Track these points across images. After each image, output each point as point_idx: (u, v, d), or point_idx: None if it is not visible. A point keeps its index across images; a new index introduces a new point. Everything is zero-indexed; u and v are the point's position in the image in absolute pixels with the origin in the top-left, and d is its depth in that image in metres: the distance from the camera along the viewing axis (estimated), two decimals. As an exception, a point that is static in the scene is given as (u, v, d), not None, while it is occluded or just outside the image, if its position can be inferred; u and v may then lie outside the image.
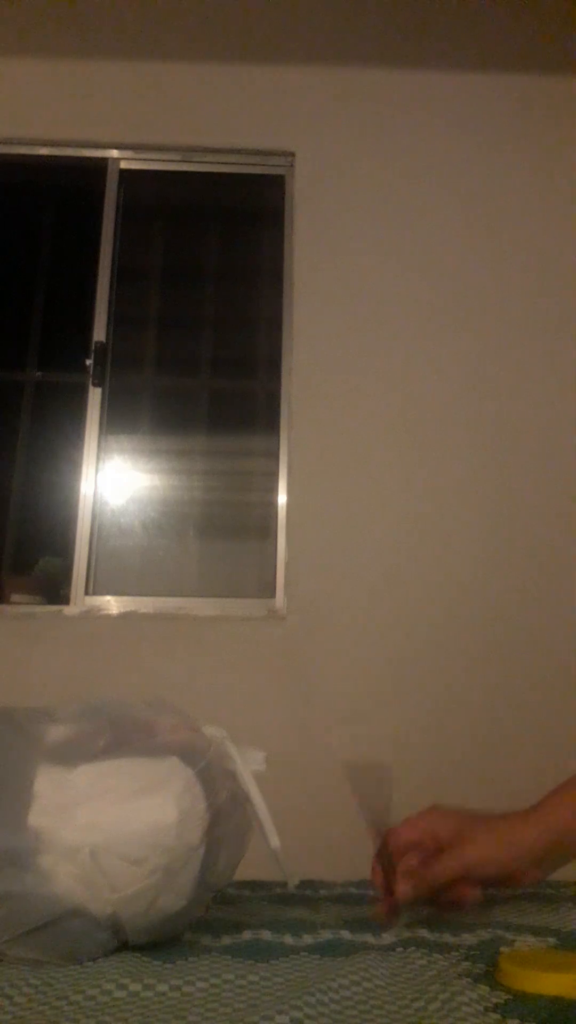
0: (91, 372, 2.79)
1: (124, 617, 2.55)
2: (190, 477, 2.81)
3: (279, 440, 2.74)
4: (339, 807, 2.48)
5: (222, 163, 2.99)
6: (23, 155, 2.97)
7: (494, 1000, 0.65)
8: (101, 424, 2.76)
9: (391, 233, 2.85)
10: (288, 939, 0.87)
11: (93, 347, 2.81)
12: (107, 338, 2.84)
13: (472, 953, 0.81)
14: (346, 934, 0.90)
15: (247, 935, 0.89)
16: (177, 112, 2.94)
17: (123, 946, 0.83)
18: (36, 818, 0.81)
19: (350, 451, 2.65)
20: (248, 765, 0.97)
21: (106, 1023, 0.62)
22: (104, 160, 2.98)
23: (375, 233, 2.84)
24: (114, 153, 2.98)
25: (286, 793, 2.30)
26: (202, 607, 2.58)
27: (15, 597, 2.63)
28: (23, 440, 2.85)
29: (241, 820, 0.94)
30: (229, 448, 2.86)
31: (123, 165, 2.99)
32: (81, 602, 2.58)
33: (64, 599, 2.60)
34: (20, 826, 0.80)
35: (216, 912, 1.00)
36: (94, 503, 2.69)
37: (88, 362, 2.80)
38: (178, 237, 3.08)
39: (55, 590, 2.64)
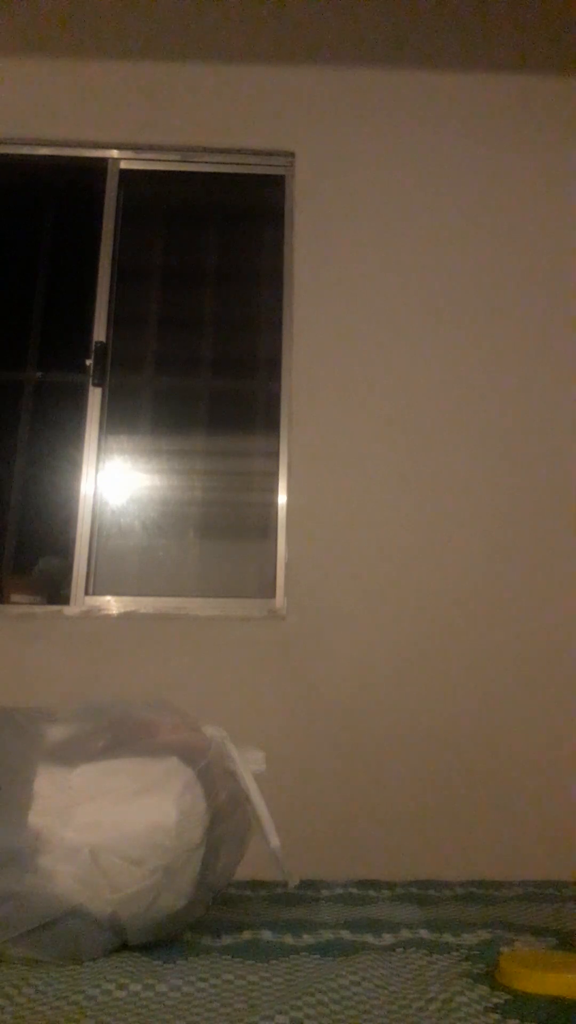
0: (91, 372, 2.79)
1: (124, 617, 2.55)
2: (190, 477, 2.81)
3: (279, 440, 2.74)
4: (339, 807, 2.48)
5: (222, 163, 2.99)
6: (23, 155, 2.97)
7: (494, 1000, 0.65)
8: (101, 424, 2.76)
9: (391, 233, 2.85)
10: (288, 939, 0.87)
11: (93, 347, 2.81)
12: (107, 338, 2.84)
13: (472, 953, 0.81)
14: (346, 934, 0.90)
15: (247, 935, 0.89)
16: (177, 112, 2.94)
17: (123, 946, 0.83)
18: (36, 818, 0.81)
19: (350, 451, 2.65)
20: (248, 765, 0.97)
21: (106, 1023, 0.62)
22: (104, 160, 2.98)
23: (375, 233, 2.84)
24: (114, 153, 2.98)
25: (286, 793, 2.31)
26: (202, 607, 2.58)
27: (15, 597, 2.63)
28: (23, 440, 2.84)
29: (241, 820, 0.94)
30: (229, 448, 2.86)
31: (123, 165, 2.99)
32: (81, 602, 2.58)
33: (64, 599, 2.60)
34: (20, 826, 0.80)
35: (216, 912, 1.00)
36: (94, 503, 2.69)
37: (88, 362, 2.80)
38: (178, 237, 3.08)
39: (55, 590, 2.64)
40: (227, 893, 1.14)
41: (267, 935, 0.90)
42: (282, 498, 2.67)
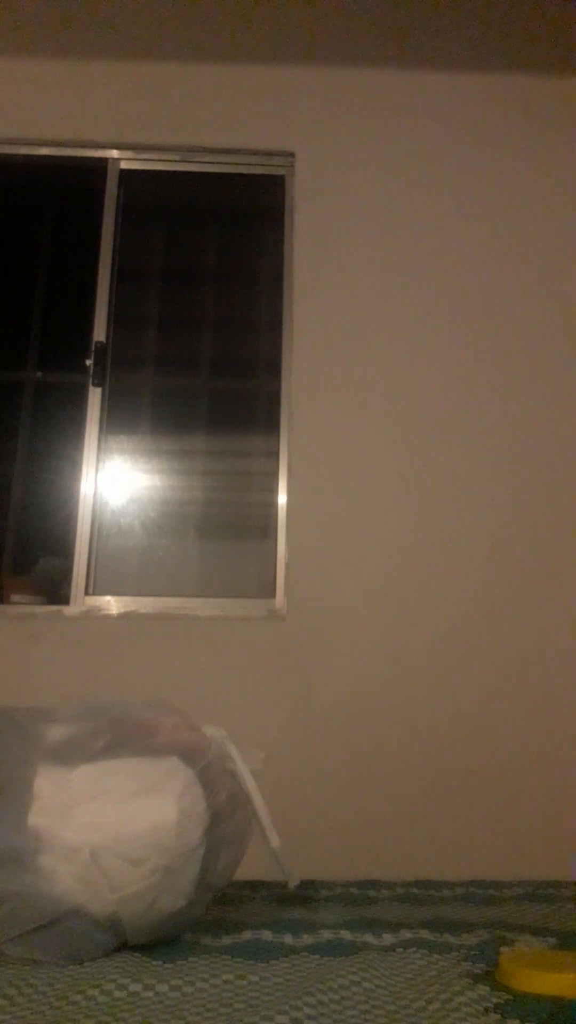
0: (91, 372, 2.79)
1: (124, 617, 2.55)
2: (190, 477, 2.81)
3: (279, 440, 2.74)
4: (339, 807, 2.48)
5: (222, 163, 2.99)
6: (23, 155, 2.97)
7: (494, 1000, 0.65)
8: (101, 424, 2.76)
9: (391, 233, 2.85)
10: (288, 939, 0.87)
11: (93, 347, 2.81)
12: (107, 338, 2.84)
13: (472, 953, 0.81)
14: (346, 934, 0.90)
15: (247, 935, 0.89)
16: (177, 112, 2.94)
17: (123, 946, 0.83)
18: (36, 818, 0.81)
19: (350, 451, 2.65)
20: (248, 765, 0.97)
21: (106, 1023, 0.62)
22: (104, 160, 2.98)
23: (375, 233, 2.84)
24: (114, 153, 2.98)
25: (286, 793, 2.31)
26: (202, 607, 2.58)
27: (15, 597, 2.63)
28: (23, 440, 2.84)
29: (241, 820, 0.94)
30: (229, 448, 2.86)
31: (123, 165, 2.99)
32: (81, 602, 2.58)
33: (64, 599, 2.60)
34: (20, 826, 0.80)
35: (216, 912, 1.00)
36: (94, 503, 2.69)
37: (88, 362, 2.81)
38: (178, 237, 3.08)
39: (55, 590, 2.64)
40: (227, 893, 1.14)
41: (267, 935, 0.90)
42: (282, 498, 2.67)
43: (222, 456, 2.86)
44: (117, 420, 2.81)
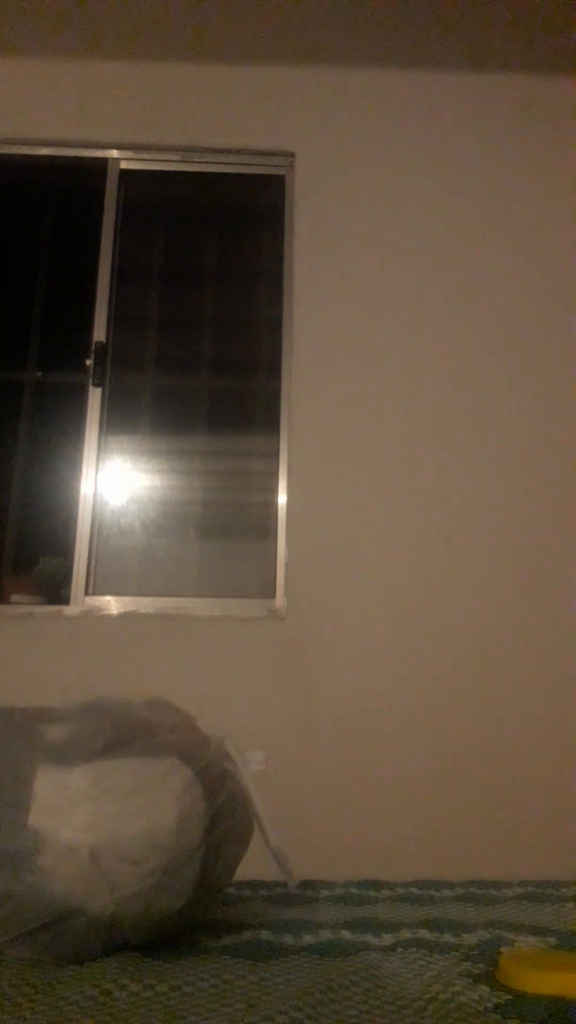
0: (91, 372, 2.79)
1: (124, 617, 2.55)
2: (190, 477, 2.81)
3: (279, 440, 2.74)
4: (339, 807, 2.48)
5: (222, 163, 2.99)
6: (24, 155, 2.97)
7: (494, 1000, 0.65)
8: (101, 424, 2.76)
9: (391, 233, 2.85)
10: (288, 939, 0.87)
11: (93, 347, 2.81)
12: (107, 338, 2.84)
13: (472, 953, 0.81)
14: (346, 934, 0.90)
15: (247, 935, 0.89)
16: (177, 112, 2.94)
17: (123, 946, 0.83)
18: (36, 818, 0.81)
19: (350, 451, 2.65)
20: (248, 765, 0.97)
21: (106, 1023, 0.62)
22: (104, 160, 2.98)
23: (375, 233, 2.84)
24: (114, 153, 2.98)
25: (286, 793, 2.31)
26: (202, 607, 2.58)
27: (15, 597, 2.63)
28: (23, 440, 2.84)
29: (241, 820, 0.94)
30: (229, 448, 2.86)
31: (123, 165, 2.99)
32: (81, 602, 2.58)
33: (64, 599, 2.60)
34: (20, 826, 0.80)
35: (216, 912, 1.00)
36: (94, 503, 2.69)
37: (88, 362, 2.81)
38: (178, 237, 3.08)
39: (55, 590, 2.64)
40: (227, 893, 1.14)
41: (267, 935, 0.90)
42: (282, 498, 2.67)
43: (222, 456, 2.86)
44: (117, 420, 2.81)
